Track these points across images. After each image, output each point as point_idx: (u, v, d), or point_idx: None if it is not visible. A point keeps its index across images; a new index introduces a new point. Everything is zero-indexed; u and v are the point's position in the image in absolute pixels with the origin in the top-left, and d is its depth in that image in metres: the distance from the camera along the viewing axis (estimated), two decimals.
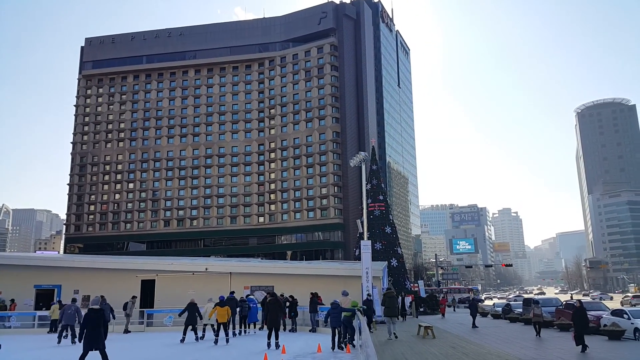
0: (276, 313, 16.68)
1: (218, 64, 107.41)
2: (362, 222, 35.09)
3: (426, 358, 14.46)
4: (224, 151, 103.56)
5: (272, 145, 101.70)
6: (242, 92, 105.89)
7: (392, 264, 46.35)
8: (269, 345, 16.30)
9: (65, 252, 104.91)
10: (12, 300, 29.71)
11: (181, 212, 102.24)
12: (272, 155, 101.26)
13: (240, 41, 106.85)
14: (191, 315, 19.54)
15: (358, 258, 38.36)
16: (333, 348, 15.94)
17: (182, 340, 19.37)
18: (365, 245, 27.52)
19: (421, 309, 41.28)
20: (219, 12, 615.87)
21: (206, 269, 31.72)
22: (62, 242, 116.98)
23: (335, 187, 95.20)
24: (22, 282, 32.63)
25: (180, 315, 20.72)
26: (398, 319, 23.29)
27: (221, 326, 18.61)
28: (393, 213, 70.06)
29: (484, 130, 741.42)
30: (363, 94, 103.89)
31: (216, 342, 18.51)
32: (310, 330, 23.22)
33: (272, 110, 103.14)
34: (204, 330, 20.10)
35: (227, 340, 18.59)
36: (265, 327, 18.86)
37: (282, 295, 24.05)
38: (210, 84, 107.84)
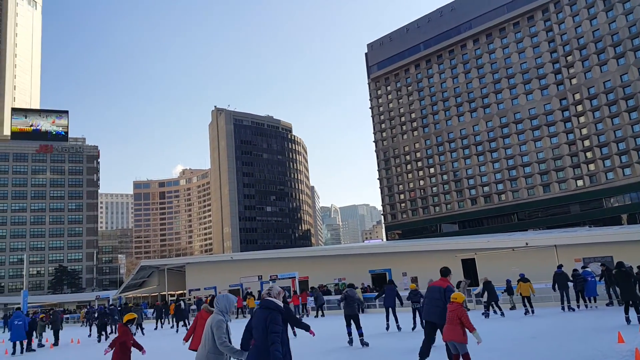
0: (625, 285, 14.15)
1: (496, 26, 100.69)
2: None
3: None
4: (520, 116, 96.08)
5: (577, 96, 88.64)
6: (529, 48, 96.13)
7: None
8: (627, 320, 13.62)
9: (387, 239, 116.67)
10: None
11: (486, 188, 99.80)
12: (579, 107, 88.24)
13: None
14: (491, 292, 20.58)
15: None
16: None
17: (487, 316, 19.97)
18: None
19: None
20: None
21: (526, 243, 29.64)
22: (383, 230, 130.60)
23: None
24: (359, 267, 37.41)
25: (482, 295, 21.35)
26: None
27: (525, 299, 19.78)
28: None
29: None
30: None
31: (526, 313, 19.31)
32: None
33: (569, 58, 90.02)
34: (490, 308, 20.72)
35: (533, 312, 19.29)
36: (615, 303, 17.75)
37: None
38: (491, 50, 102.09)
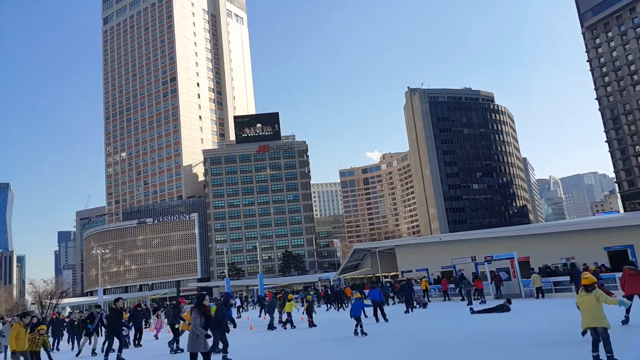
0: None
1: None
2: None
3: None
4: None
5: None
6: None
7: None
8: None
9: (625, 210, 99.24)
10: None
11: None
12: None
13: None
14: None
15: None
16: None
17: None
18: None
19: None
20: None
21: None
22: (619, 200, 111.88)
23: None
24: (592, 244, 32.25)
25: None
26: None
27: None
28: None
29: None
30: None
31: None
32: None
33: None
34: None
35: None
36: None
37: None
38: None
